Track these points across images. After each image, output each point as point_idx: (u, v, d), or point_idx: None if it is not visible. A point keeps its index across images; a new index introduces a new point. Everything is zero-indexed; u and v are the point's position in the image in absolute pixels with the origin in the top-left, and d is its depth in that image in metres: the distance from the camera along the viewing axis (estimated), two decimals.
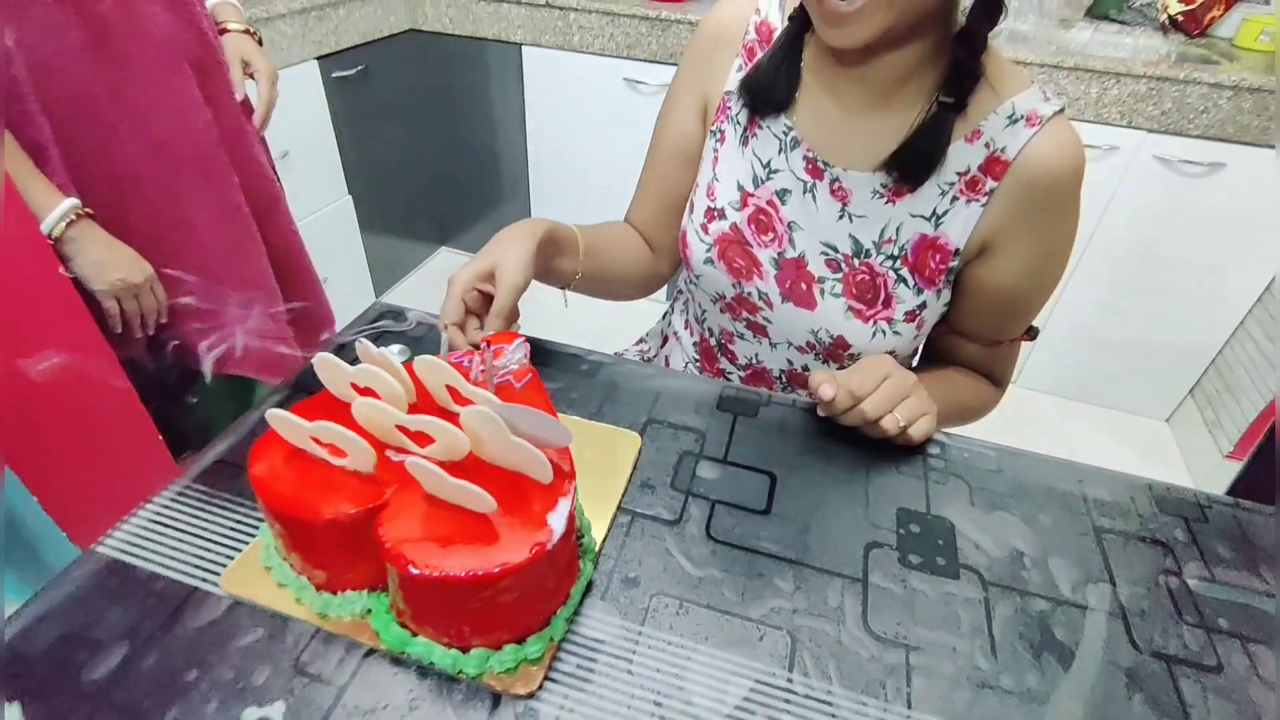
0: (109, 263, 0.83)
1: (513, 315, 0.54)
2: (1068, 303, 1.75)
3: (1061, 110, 0.56)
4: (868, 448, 0.54)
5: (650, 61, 1.74)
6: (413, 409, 0.42)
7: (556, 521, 0.36)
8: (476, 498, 0.35)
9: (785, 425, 0.56)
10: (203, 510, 0.46)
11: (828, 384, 0.51)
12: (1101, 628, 0.42)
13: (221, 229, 0.98)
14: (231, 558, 0.43)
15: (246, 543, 0.44)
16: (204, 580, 0.42)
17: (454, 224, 2.30)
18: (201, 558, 0.43)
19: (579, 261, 0.66)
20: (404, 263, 2.22)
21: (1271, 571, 0.46)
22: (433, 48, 1.94)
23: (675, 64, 1.72)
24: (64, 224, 0.78)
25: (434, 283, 2.26)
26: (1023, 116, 0.55)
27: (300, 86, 1.62)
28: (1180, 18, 1.72)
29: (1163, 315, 1.70)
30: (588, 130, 1.93)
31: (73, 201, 0.78)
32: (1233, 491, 0.64)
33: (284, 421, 0.38)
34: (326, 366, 0.41)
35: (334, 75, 1.69)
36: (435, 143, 2.11)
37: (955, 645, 0.41)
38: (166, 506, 0.46)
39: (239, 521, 0.46)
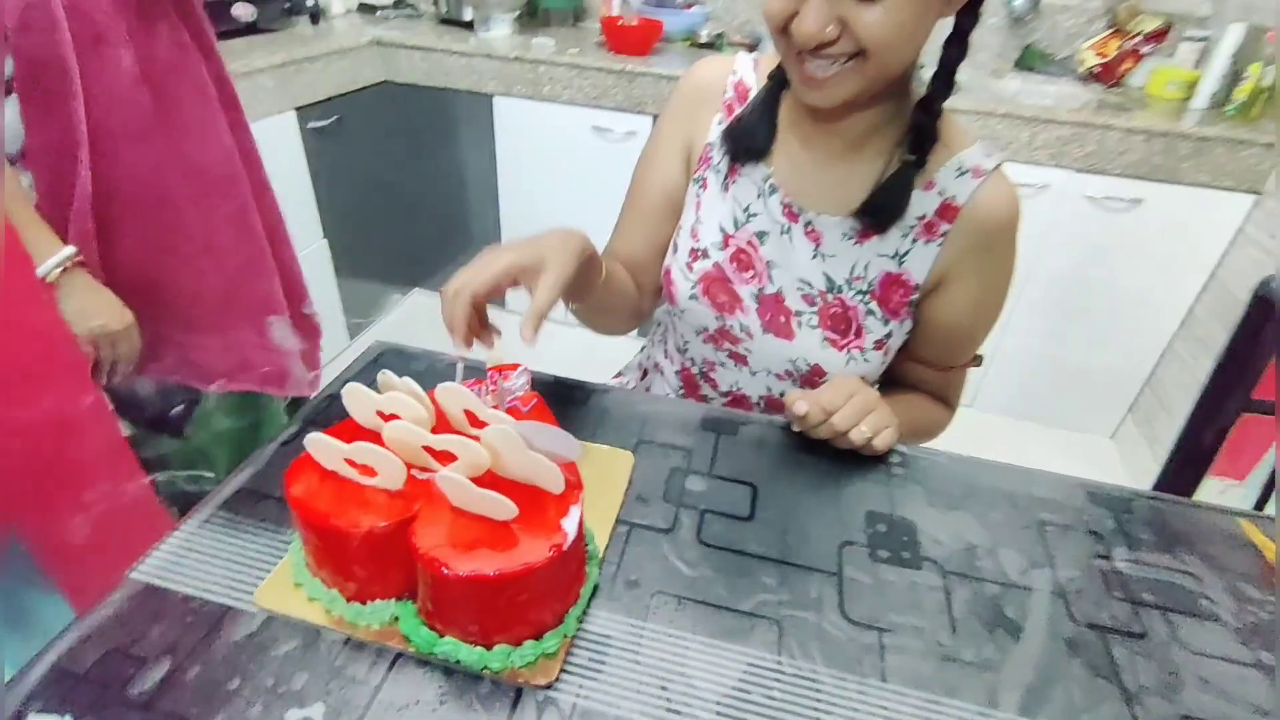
0: (92, 309, 0.86)
1: (494, 329, 0.56)
2: (1015, 329, 1.87)
3: (999, 165, 0.65)
4: (838, 459, 0.60)
5: (617, 110, 1.84)
6: (433, 432, 0.47)
7: (570, 526, 0.41)
8: (500, 505, 0.40)
9: (764, 441, 0.62)
10: (229, 535, 0.50)
11: (802, 401, 0.57)
12: (1045, 605, 0.48)
13: (242, 248, 1.04)
14: (260, 578, 0.46)
15: (273, 563, 0.48)
16: (237, 600, 0.45)
17: (426, 266, 2.34)
18: (232, 579, 0.46)
19: (599, 284, 0.66)
20: (377, 304, 2.25)
21: (1187, 552, 0.53)
22: (406, 98, 2.01)
23: (640, 113, 1.82)
24: (59, 270, 0.81)
25: (406, 323, 2.29)
26: (970, 169, 0.64)
27: (278, 136, 1.67)
28: (1097, 69, 1.89)
29: (1101, 339, 1.83)
30: (557, 175, 2.01)
31: (70, 250, 0.82)
32: (1156, 487, 0.72)
33: (321, 445, 0.42)
34: (354, 395, 0.45)
35: (310, 125, 1.74)
36: (409, 188, 2.17)
37: (921, 626, 0.46)
38: (194, 534, 0.50)
39: (264, 544, 0.49)
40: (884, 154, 0.65)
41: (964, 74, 1.94)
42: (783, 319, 0.71)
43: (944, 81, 0.60)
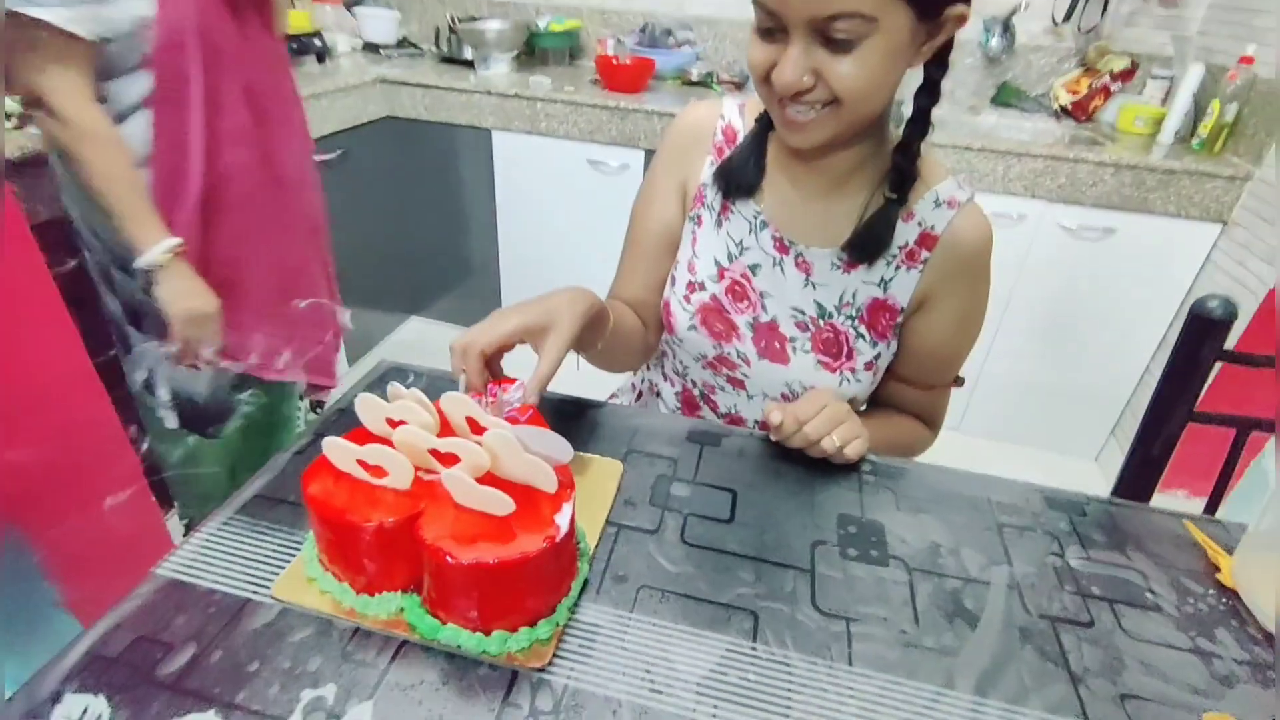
0: (187, 292, 0.98)
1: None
2: (999, 354, 1.92)
3: (972, 197, 0.71)
4: (812, 467, 0.64)
5: (611, 144, 1.92)
6: (438, 437, 0.51)
7: (562, 520, 0.45)
8: (499, 501, 0.44)
9: (744, 451, 0.66)
10: (247, 536, 0.53)
11: (777, 411, 0.62)
12: (1001, 598, 0.52)
13: (307, 239, 1.18)
14: (276, 573, 0.50)
15: (288, 560, 0.51)
16: (255, 592, 0.49)
17: (424, 295, 2.39)
18: (250, 574, 0.50)
19: (606, 334, 0.70)
20: (376, 331, 2.30)
21: (1135, 550, 0.58)
22: (408, 132, 2.08)
23: (634, 147, 1.89)
24: (166, 256, 0.93)
25: (404, 350, 2.34)
26: (945, 201, 0.70)
27: None
28: (1069, 106, 1.99)
29: (1082, 363, 1.88)
30: (554, 206, 2.08)
31: (176, 240, 0.94)
32: (1113, 493, 0.76)
33: (337, 447, 0.46)
34: (367, 404, 0.50)
35: (315, 158, 1.81)
36: (409, 219, 2.23)
37: (886, 616, 0.50)
38: (214, 534, 0.53)
39: (279, 544, 0.53)
40: (865, 188, 0.70)
41: (943, 110, 2.02)
42: (778, 345, 0.76)
43: (919, 126, 0.66)
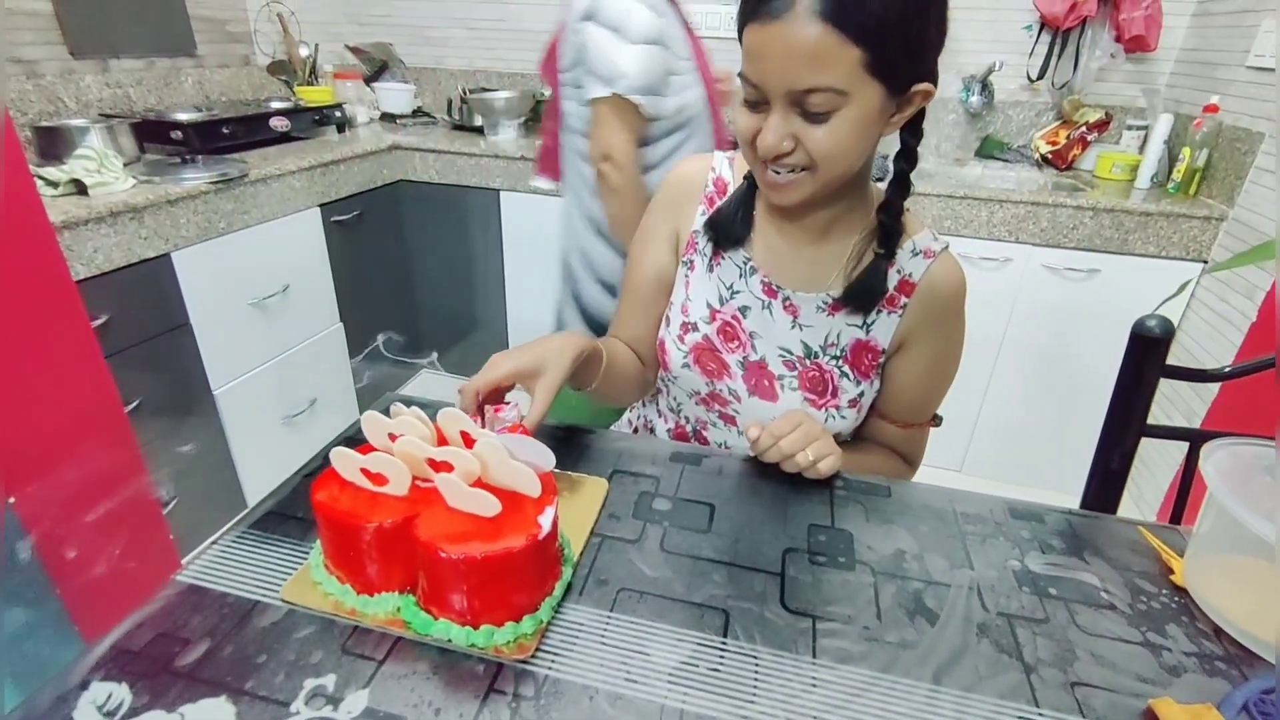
0: None
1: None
2: (994, 396, 1.96)
3: (946, 247, 0.77)
4: (786, 482, 0.68)
5: None
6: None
7: (545, 521, 0.50)
8: (487, 502, 0.49)
9: (723, 469, 0.71)
10: (258, 547, 0.58)
11: (754, 427, 0.67)
12: (961, 598, 0.56)
13: None
14: (284, 579, 0.55)
15: (295, 569, 0.56)
16: (264, 596, 0.53)
17: (434, 347, 2.47)
18: (261, 580, 0.55)
19: (600, 373, 0.77)
20: (387, 384, 2.37)
21: (1093, 555, 0.61)
22: (421, 193, 2.21)
23: None
24: None
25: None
26: (922, 251, 0.76)
27: (304, 230, 1.84)
28: (1050, 155, 2.08)
29: (1074, 401, 1.91)
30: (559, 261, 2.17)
31: None
32: (1081, 506, 0.78)
33: (344, 456, 0.51)
34: (372, 421, 0.55)
35: (333, 219, 1.93)
36: (421, 275, 2.34)
37: (851, 614, 0.54)
38: (229, 546, 0.58)
39: (288, 554, 0.57)
40: (847, 237, 0.77)
41: (930, 163, 2.13)
42: (767, 383, 0.81)
43: (900, 187, 0.72)
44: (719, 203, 0.82)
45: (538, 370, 0.65)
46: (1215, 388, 1.54)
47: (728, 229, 0.79)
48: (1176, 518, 0.79)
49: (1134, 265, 1.73)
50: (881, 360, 0.79)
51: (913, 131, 0.70)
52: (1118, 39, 1.95)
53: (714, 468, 0.71)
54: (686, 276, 0.84)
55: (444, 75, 2.65)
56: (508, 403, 0.65)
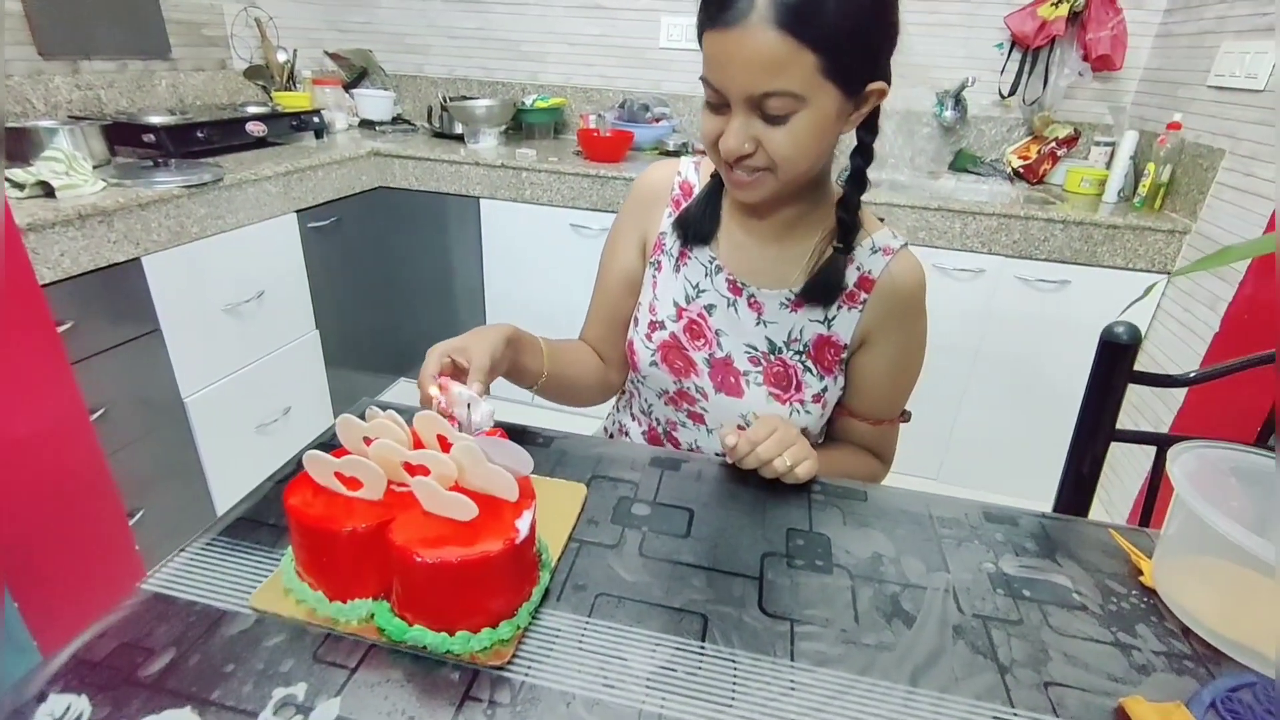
0: None
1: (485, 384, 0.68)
2: (971, 404, 1.98)
3: (905, 245, 0.78)
4: (765, 488, 0.69)
5: (592, 210, 2.02)
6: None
7: (523, 525, 0.49)
8: (463, 506, 0.48)
9: (702, 475, 0.71)
10: (228, 554, 0.57)
11: (731, 435, 0.67)
12: (938, 601, 0.56)
13: None
14: (253, 588, 0.53)
15: (265, 577, 0.55)
16: (233, 604, 0.52)
17: (412, 356, 2.45)
18: (231, 588, 0.53)
19: (544, 364, 0.80)
20: (364, 391, 2.34)
21: (1065, 557, 0.62)
22: (399, 201, 2.19)
23: (614, 212, 2.00)
24: None
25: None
26: (881, 248, 0.77)
27: (279, 235, 1.81)
28: (1021, 169, 2.12)
29: (1047, 409, 1.94)
30: (538, 268, 2.16)
31: None
32: (1053, 510, 0.80)
33: (318, 460, 0.50)
34: (346, 425, 0.54)
35: (310, 225, 1.90)
36: (398, 282, 2.31)
37: (828, 617, 0.54)
38: (197, 554, 0.57)
39: (258, 562, 0.56)
40: (810, 235, 0.78)
41: (905, 174, 2.16)
42: (732, 379, 0.81)
43: (856, 184, 0.74)
44: (685, 203, 0.83)
45: (464, 345, 0.69)
46: (1181, 395, 1.58)
47: (696, 225, 0.81)
48: (1145, 521, 0.81)
49: (1103, 277, 1.77)
50: (844, 356, 0.80)
51: (868, 129, 0.71)
52: (1085, 58, 2.01)
53: (693, 472, 0.71)
54: (654, 277, 0.85)
55: (424, 83, 2.64)
56: (460, 381, 0.65)
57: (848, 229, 0.75)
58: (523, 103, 2.40)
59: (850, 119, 0.67)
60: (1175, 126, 1.74)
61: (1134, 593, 0.58)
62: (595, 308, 0.93)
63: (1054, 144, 2.08)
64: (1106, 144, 2.04)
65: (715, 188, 0.81)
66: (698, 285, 0.83)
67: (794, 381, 0.80)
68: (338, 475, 0.51)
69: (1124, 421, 0.79)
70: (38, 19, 1.69)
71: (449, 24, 2.54)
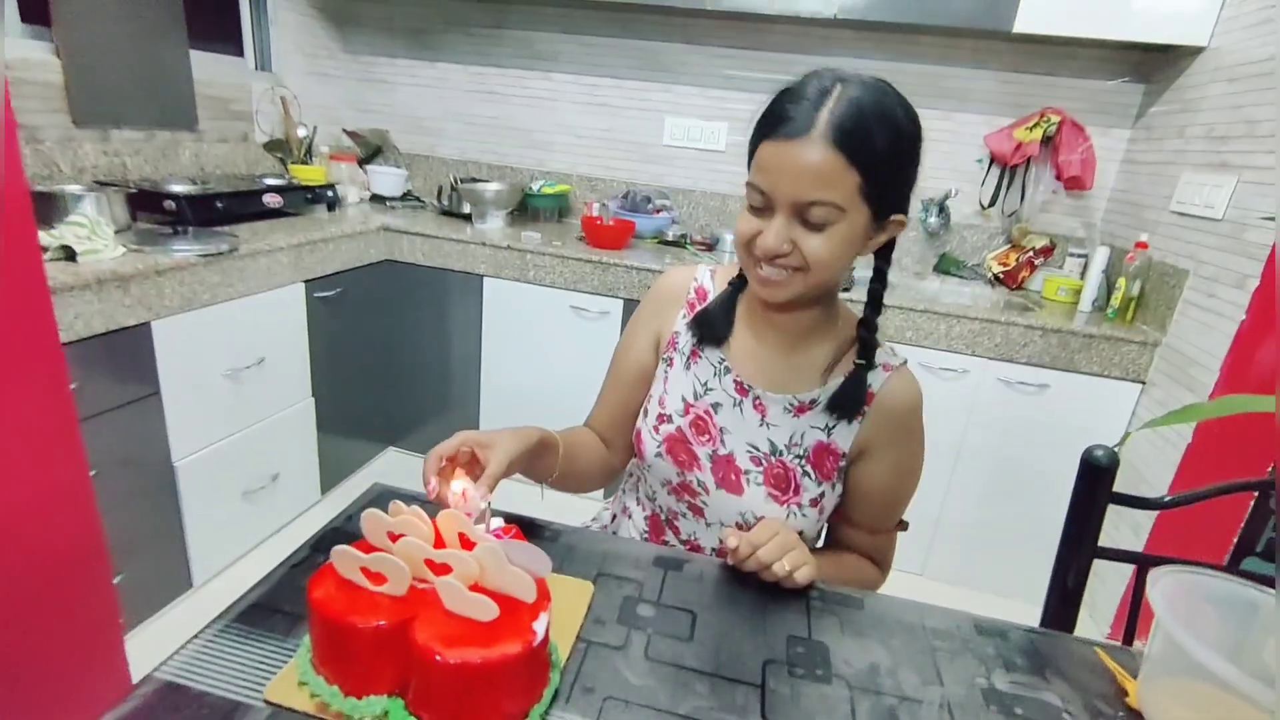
0: None
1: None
2: (955, 499, 2.01)
3: (904, 363, 0.84)
4: (765, 592, 0.71)
5: (593, 294, 2.09)
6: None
7: (540, 627, 0.51)
8: (484, 607, 0.50)
9: (704, 576, 0.73)
10: (241, 643, 0.57)
11: (733, 537, 0.69)
12: (933, 716, 0.58)
13: None
14: (267, 679, 0.54)
15: (278, 668, 0.55)
16: (246, 696, 0.52)
17: (403, 427, 2.45)
18: (243, 679, 0.54)
19: (559, 463, 0.84)
20: (352, 461, 2.32)
21: (1054, 674, 0.64)
22: (405, 274, 2.25)
23: (614, 296, 2.07)
24: None
25: (380, 479, 2.35)
26: (880, 365, 0.82)
27: (286, 304, 1.86)
28: (1001, 275, 2.24)
29: (1030, 509, 1.98)
30: (536, 347, 2.21)
31: None
32: (1041, 623, 0.82)
33: (345, 555, 0.52)
34: (372, 519, 0.56)
35: (316, 295, 1.95)
36: (397, 355, 2.35)
37: None
38: (211, 641, 0.57)
39: (272, 650, 0.57)
40: (817, 346, 0.84)
41: (893, 276, 2.24)
42: (733, 477, 0.85)
43: (874, 306, 0.81)
44: (699, 307, 0.89)
45: (490, 442, 0.71)
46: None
47: (711, 327, 0.87)
48: (1129, 635, 0.83)
49: (1080, 383, 1.85)
50: (842, 464, 0.83)
51: (885, 256, 0.79)
52: (1058, 177, 2.16)
53: (695, 573, 0.73)
54: (666, 372, 0.90)
55: (436, 162, 2.76)
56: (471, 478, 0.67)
57: (869, 346, 0.81)
58: (530, 188, 2.51)
59: (870, 242, 0.75)
60: (1143, 246, 1.86)
61: (1121, 713, 0.60)
62: (607, 394, 0.97)
63: (1032, 253, 2.21)
64: (1080, 255, 2.17)
65: (732, 295, 0.88)
66: (706, 383, 0.87)
67: (793, 484, 0.83)
68: (363, 570, 0.53)
69: (1105, 528, 0.82)
70: (76, 89, 1.78)
71: (465, 110, 2.68)
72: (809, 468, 0.83)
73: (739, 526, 0.86)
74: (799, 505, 0.83)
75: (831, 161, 0.67)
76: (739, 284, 0.87)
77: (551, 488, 0.86)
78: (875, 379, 0.82)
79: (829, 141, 0.67)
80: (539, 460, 0.80)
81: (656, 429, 0.89)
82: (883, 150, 0.68)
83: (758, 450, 0.84)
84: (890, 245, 0.79)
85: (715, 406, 0.86)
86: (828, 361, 0.83)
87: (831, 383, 0.82)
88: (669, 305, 0.93)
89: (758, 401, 0.84)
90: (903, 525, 0.91)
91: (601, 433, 0.97)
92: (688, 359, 0.89)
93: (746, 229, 0.75)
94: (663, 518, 0.93)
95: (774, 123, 0.70)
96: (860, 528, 0.88)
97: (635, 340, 0.95)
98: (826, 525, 0.91)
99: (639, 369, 0.94)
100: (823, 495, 0.84)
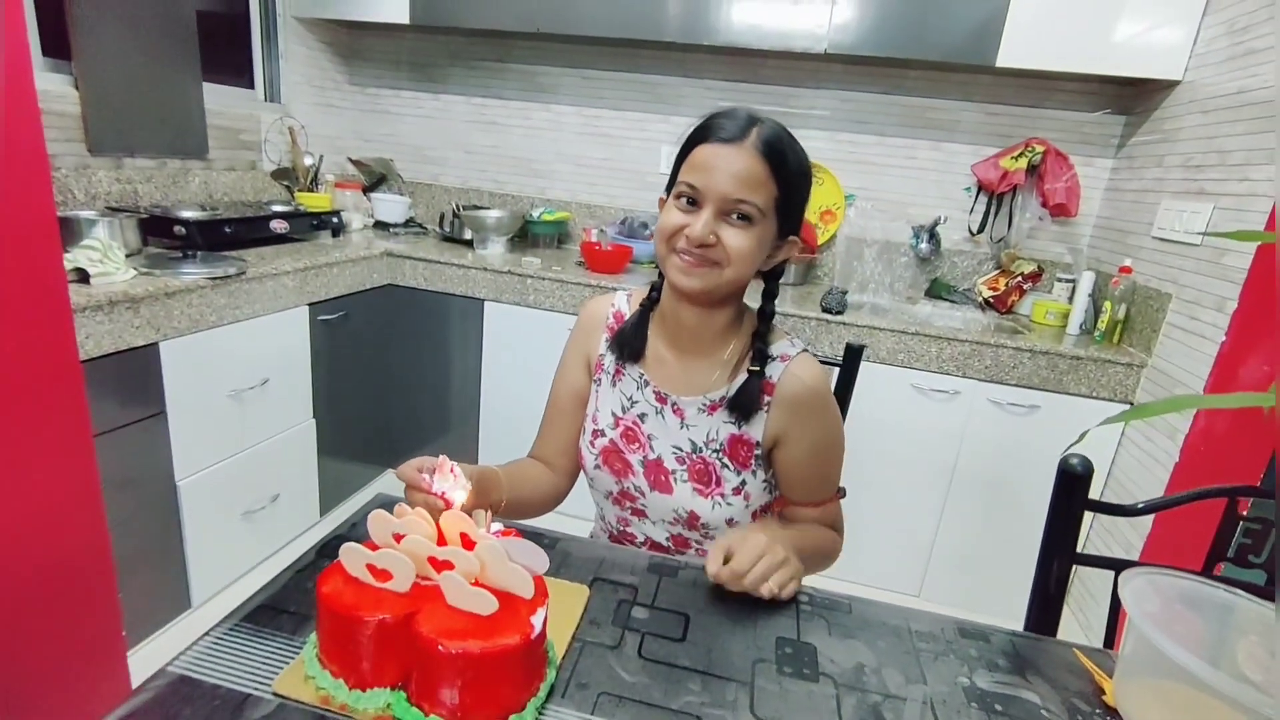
0: None
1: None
2: (950, 521, 2.03)
3: (805, 349, 0.91)
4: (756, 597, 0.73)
5: None
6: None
7: (537, 621, 0.54)
8: (484, 600, 0.53)
9: (697, 581, 0.75)
10: (250, 640, 0.60)
11: (713, 563, 0.71)
12: (916, 712, 0.60)
13: None
14: (275, 673, 0.56)
15: (286, 664, 0.58)
16: (255, 689, 0.55)
17: (403, 449, 2.47)
18: (252, 673, 0.56)
19: (503, 495, 0.89)
20: (351, 482, 2.34)
21: (1034, 675, 0.66)
22: (407, 298, 2.30)
23: None
24: None
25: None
26: (779, 356, 0.90)
27: (290, 326, 1.89)
28: (991, 299, 2.29)
29: (1022, 529, 1.99)
30: (535, 370, 2.24)
31: None
32: (1025, 628, 0.84)
33: (353, 551, 0.55)
34: (378, 519, 0.59)
35: (320, 318, 1.99)
36: (398, 377, 2.38)
37: None
38: (221, 638, 0.60)
39: (279, 647, 0.59)
40: (720, 350, 0.92)
41: (885, 299, 2.30)
42: (663, 477, 0.93)
43: (766, 320, 0.90)
44: (618, 328, 0.97)
45: (442, 462, 0.75)
46: (1148, 521, 1.65)
47: (629, 345, 0.94)
48: (1110, 640, 0.85)
49: (1069, 403, 1.88)
50: (758, 452, 0.90)
51: (775, 278, 0.90)
52: (1044, 204, 2.22)
53: (689, 579, 0.76)
54: (596, 392, 0.99)
55: (438, 190, 2.82)
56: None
57: (763, 356, 0.89)
58: (530, 214, 2.57)
59: (770, 256, 0.85)
60: (1127, 270, 1.91)
61: (1098, 711, 0.62)
62: (548, 422, 1.04)
63: (1020, 278, 2.26)
64: (1068, 280, 2.22)
65: (643, 314, 0.95)
66: (631, 397, 0.95)
67: (714, 477, 0.91)
68: (369, 567, 0.55)
69: (1098, 545, 0.85)
70: (93, 120, 1.84)
71: (467, 140, 2.76)
72: (726, 459, 0.91)
73: (676, 521, 0.94)
74: (722, 496, 0.91)
75: (759, 169, 0.79)
76: (649, 304, 0.95)
77: (500, 516, 0.90)
78: (774, 370, 0.89)
79: (759, 152, 0.79)
80: (483, 494, 0.85)
81: (592, 444, 0.97)
82: (794, 172, 0.81)
83: (681, 450, 0.92)
84: (781, 268, 0.89)
85: (642, 417, 0.94)
86: (735, 360, 0.91)
87: (736, 380, 0.90)
88: (593, 331, 1.00)
89: (675, 406, 0.92)
90: (841, 492, 0.97)
91: (547, 459, 1.04)
92: (613, 377, 0.97)
93: (674, 220, 0.82)
94: (615, 531, 1.01)
95: (712, 130, 0.80)
96: (803, 504, 0.95)
97: (568, 369, 1.03)
98: (778, 511, 0.98)
99: (573, 394, 1.01)
100: (744, 484, 0.91)
